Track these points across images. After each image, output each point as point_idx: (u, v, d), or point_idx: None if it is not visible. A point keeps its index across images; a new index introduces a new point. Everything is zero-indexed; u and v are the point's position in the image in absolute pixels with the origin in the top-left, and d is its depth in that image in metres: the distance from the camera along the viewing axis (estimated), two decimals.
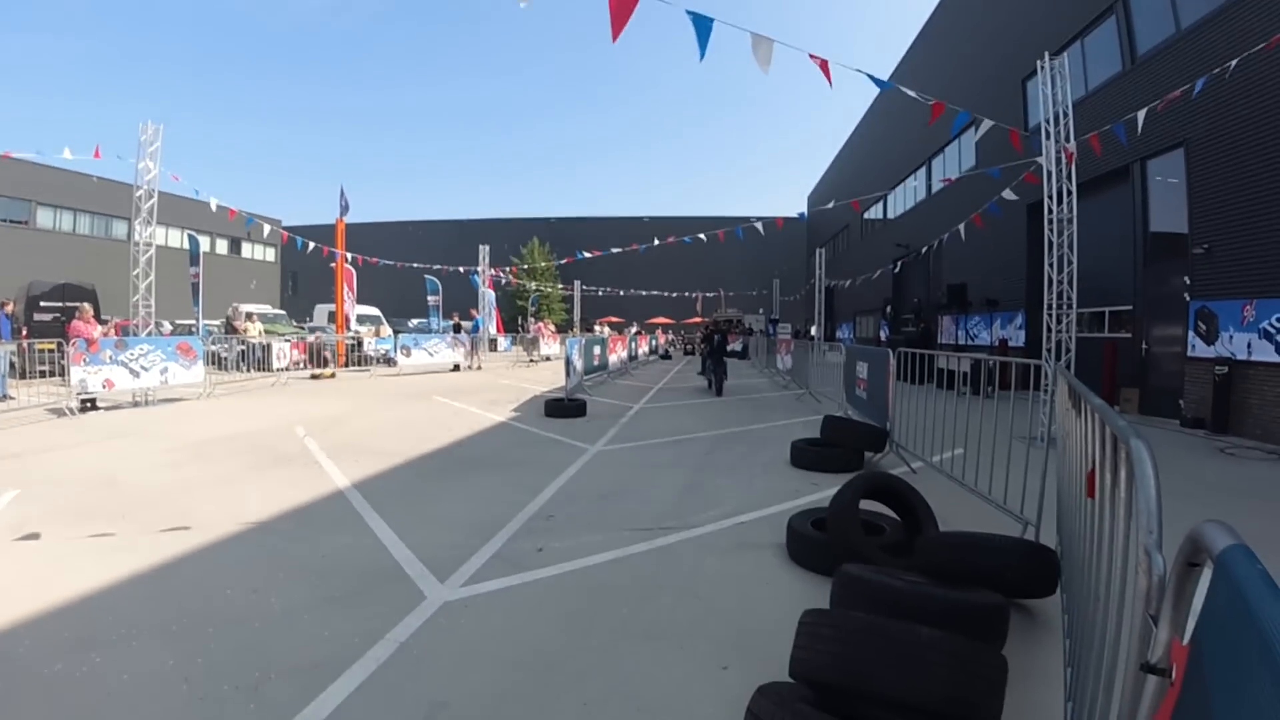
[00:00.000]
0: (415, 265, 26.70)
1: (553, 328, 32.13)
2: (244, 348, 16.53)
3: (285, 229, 27.78)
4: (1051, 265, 9.20)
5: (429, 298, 26.58)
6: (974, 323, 19.16)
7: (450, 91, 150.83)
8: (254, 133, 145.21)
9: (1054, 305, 9.15)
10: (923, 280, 23.67)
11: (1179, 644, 1.13)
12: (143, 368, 11.24)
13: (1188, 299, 10.47)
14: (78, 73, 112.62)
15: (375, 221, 56.77)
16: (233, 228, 38.07)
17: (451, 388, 15.12)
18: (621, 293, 45.30)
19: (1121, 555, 1.74)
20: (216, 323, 22.55)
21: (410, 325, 29.06)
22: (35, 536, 4.45)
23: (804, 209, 45.69)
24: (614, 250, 23.94)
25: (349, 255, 21.00)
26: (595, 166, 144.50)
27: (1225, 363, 9.47)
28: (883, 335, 25.64)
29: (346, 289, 21.51)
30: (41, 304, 17.37)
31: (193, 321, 17.05)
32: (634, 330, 34.21)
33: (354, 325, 21.73)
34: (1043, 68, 9.22)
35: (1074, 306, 9.11)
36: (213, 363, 15.22)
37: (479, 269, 27.31)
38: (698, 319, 46.73)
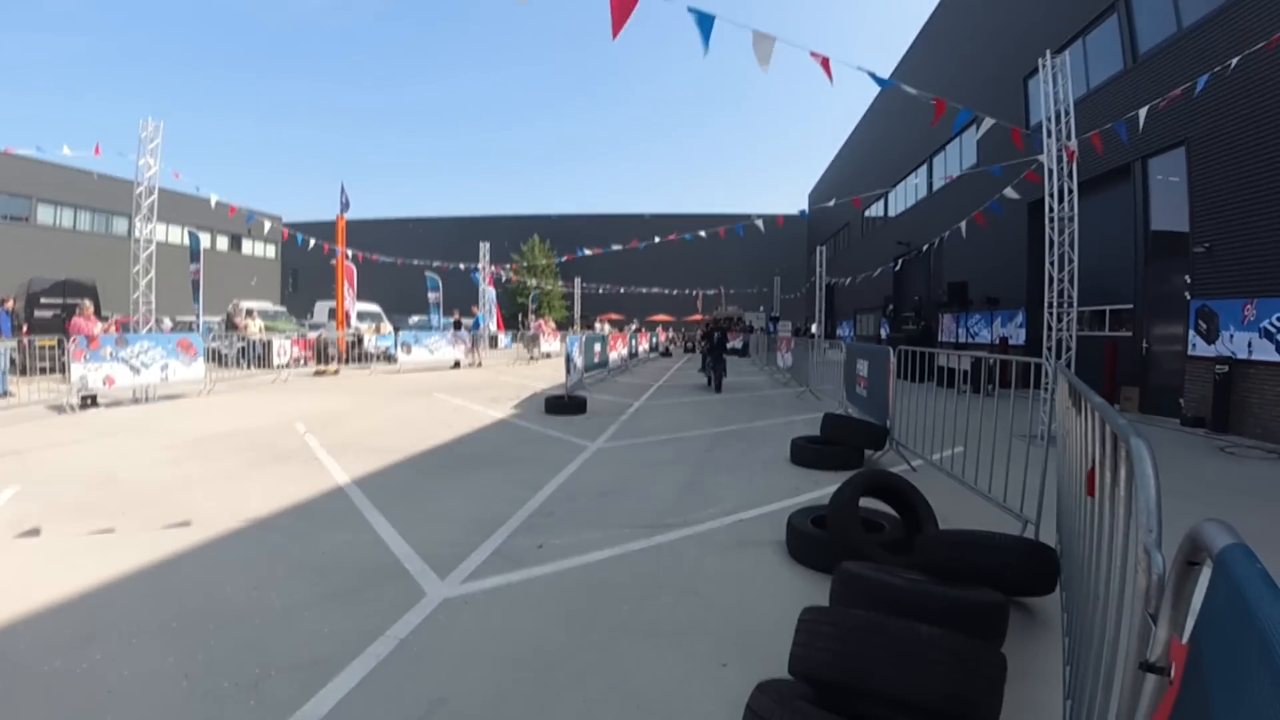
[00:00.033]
0: (416, 262, 26.70)
1: (553, 325, 32.13)
2: (244, 344, 16.54)
3: (286, 225, 27.73)
4: (1052, 263, 9.20)
5: (429, 294, 26.55)
6: (975, 321, 19.15)
7: (450, 89, 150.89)
8: (254, 130, 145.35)
9: (1055, 303, 9.14)
10: (923, 278, 23.65)
11: (1178, 643, 1.13)
12: (143, 364, 11.25)
13: (1188, 298, 10.46)
14: (78, 70, 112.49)
15: (376, 218, 56.83)
16: (233, 224, 38.08)
17: (452, 385, 15.12)
18: (622, 290, 45.29)
19: (1121, 554, 1.74)
20: (217, 319, 22.54)
21: (411, 322, 29.03)
22: (35, 533, 4.46)
23: (805, 206, 45.67)
24: (614, 247, 23.88)
25: (349, 252, 20.98)
26: (596, 164, 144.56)
27: (1226, 362, 9.46)
28: (883, 333, 25.62)
29: (347, 286, 21.48)
30: (42, 300, 17.39)
31: (193, 318, 17.03)
32: (634, 327, 34.21)
33: (354, 322, 21.71)
34: (1044, 66, 9.21)
35: (1075, 305, 9.10)
36: (213, 359, 15.22)
37: (479, 266, 27.29)
38: (698, 316, 46.71)
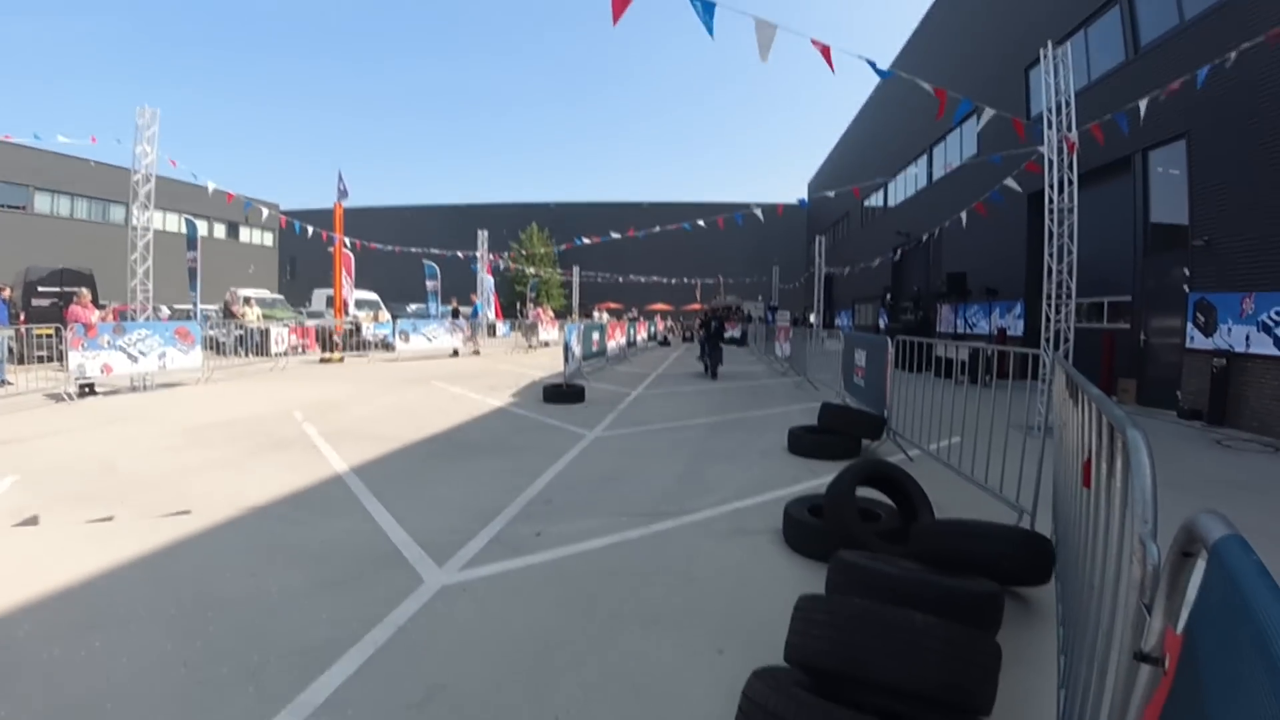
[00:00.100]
0: (414, 250, 26.59)
1: (551, 313, 32.08)
2: (242, 332, 16.50)
3: (283, 213, 27.64)
4: (1051, 255, 9.18)
5: (427, 283, 26.48)
6: (973, 311, 19.14)
7: (449, 75, 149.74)
8: (252, 113, 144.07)
9: (1053, 295, 9.13)
10: (922, 268, 23.62)
11: (1172, 633, 1.14)
12: (141, 353, 11.23)
13: (1187, 291, 10.45)
14: (75, 55, 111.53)
15: (374, 206, 56.49)
16: (230, 212, 37.86)
17: (450, 373, 15.11)
18: (620, 279, 45.18)
19: (1116, 544, 1.74)
20: (214, 307, 22.48)
21: (409, 310, 28.99)
22: (34, 521, 4.46)
23: (804, 196, 45.54)
24: (613, 236, 23.82)
25: (347, 240, 20.90)
26: (595, 152, 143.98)
27: (1223, 355, 9.47)
28: (882, 323, 25.62)
29: (345, 274, 21.43)
30: (39, 289, 17.30)
31: (190, 306, 16.98)
32: (633, 316, 34.17)
33: (352, 310, 21.67)
34: (1045, 56, 9.15)
35: (1073, 296, 9.10)
36: (211, 348, 15.20)
37: (478, 254, 27.20)
38: (697, 305, 46.66)
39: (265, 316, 19.60)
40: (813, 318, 30.49)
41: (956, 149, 21.59)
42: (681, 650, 2.93)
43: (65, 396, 9.99)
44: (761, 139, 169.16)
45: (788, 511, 4.32)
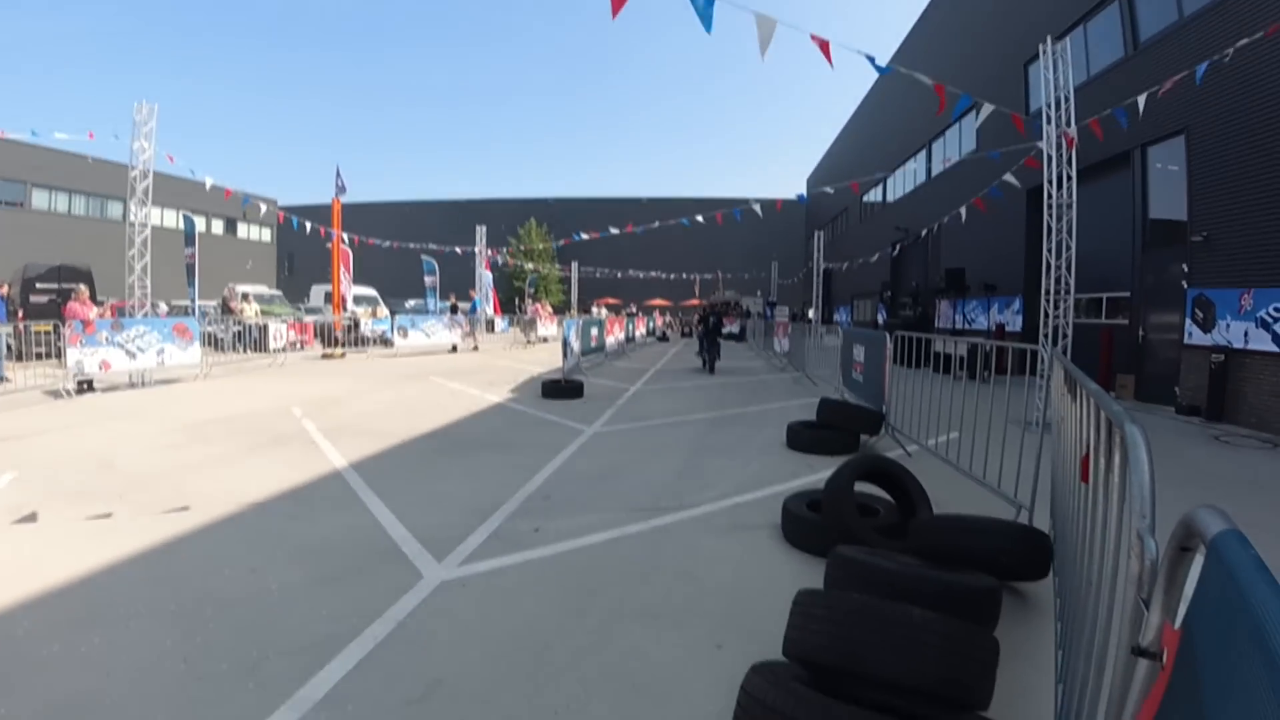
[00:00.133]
0: (412, 245, 26.56)
1: (550, 309, 32.04)
2: (240, 328, 16.47)
3: (281, 209, 27.59)
4: (1050, 250, 9.19)
5: (426, 278, 26.43)
6: (971, 307, 19.15)
7: (447, 65, 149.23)
8: (249, 104, 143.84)
9: (1052, 291, 9.14)
10: (921, 264, 23.61)
11: (1170, 628, 1.14)
12: (139, 349, 11.21)
13: (1185, 287, 10.46)
14: (73, 48, 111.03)
15: (372, 202, 56.43)
16: (228, 208, 37.78)
17: (449, 369, 15.10)
18: (619, 274, 45.15)
19: (1114, 539, 1.75)
20: (212, 304, 22.44)
21: (407, 306, 28.95)
22: (33, 518, 4.46)
23: (803, 191, 45.46)
24: (612, 231, 23.80)
25: (345, 235, 20.87)
26: (594, 142, 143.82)
27: (1221, 351, 9.49)
28: (880, 319, 25.62)
29: (343, 269, 21.40)
30: (37, 285, 17.25)
31: (188, 302, 16.95)
32: (631, 312, 34.15)
33: (350, 306, 21.65)
34: (1045, 52, 9.15)
35: (1071, 292, 9.11)
36: (209, 344, 15.18)
37: (476, 250, 27.16)
38: (695, 301, 46.64)
39: (263, 312, 19.57)
40: (811, 313, 30.47)
41: (955, 144, 21.56)
42: (680, 645, 2.94)
43: (63, 393, 9.98)
44: (760, 130, 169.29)
45: (786, 507, 4.33)
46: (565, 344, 12.52)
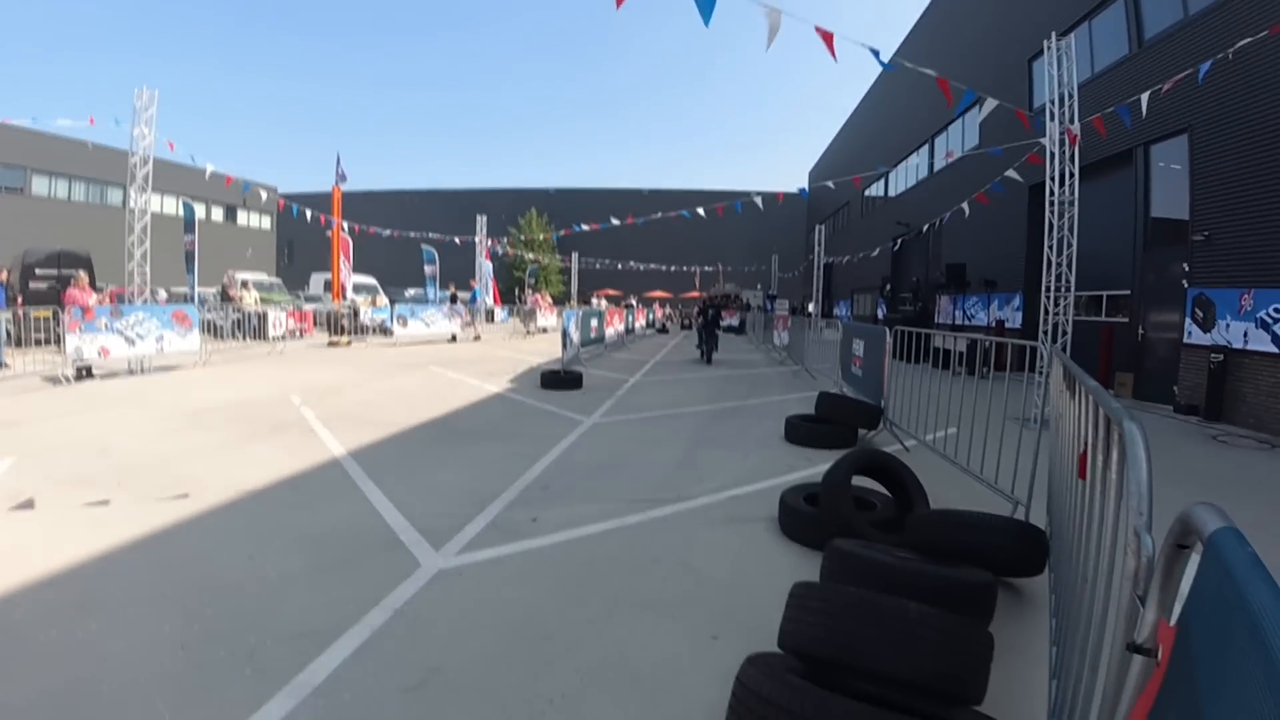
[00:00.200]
0: (412, 235, 26.46)
1: (550, 300, 32.00)
2: (239, 316, 16.44)
3: (281, 196, 27.52)
4: (1051, 247, 9.17)
5: (426, 268, 26.36)
6: (971, 303, 19.14)
7: (447, 52, 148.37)
8: (249, 89, 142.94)
9: (1052, 288, 9.14)
10: (922, 259, 23.57)
11: (1166, 625, 1.14)
12: (138, 335, 11.19)
13: (1186, 286, 10.45)
14: (73, 31, 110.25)
15: (372, 190, 56.19)
16: (228, 195, 37.57)
17: (448, 358, 15.09)
18: (619, 266, 45.07)
19: (1111, 536, 1.75)
20: (211, 291, 22.39)
21: (407, 295, 28.89)
22: (31, 505, 4.46)
23: (805, 184, 45.33)
24: (613, 222, 23.73)
25: (345, 224, 20.82)
26: (594, 130, 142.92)
27: (1221, 351, 9.49)
28: (880, 313, 25.61)
29: (343, 258, 21.36)
30: (37, 271, 17.20)
31: (187, 289, 16.92)
32: (631, 303, 34.11)
33: (350, 294, 21.62)
34: (1049, 48, 9.10)
35: (1072, 289, 9.10)
36: (208, 331, 15.15)
37: (476, 239, 27.08)
38: (695, 293, 46.57)
39: (263, 300, 19.54)
40: (811, 307, 30.45)
41: (958, 139, 21.48)
42: (677, 636, 2.95)
43: (62, 379, 9.97)
44: (761, 124, 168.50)
45: (784, 499, 4.34)
46: (565, 335, 12.51)
